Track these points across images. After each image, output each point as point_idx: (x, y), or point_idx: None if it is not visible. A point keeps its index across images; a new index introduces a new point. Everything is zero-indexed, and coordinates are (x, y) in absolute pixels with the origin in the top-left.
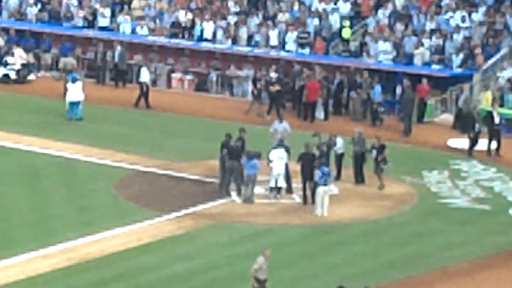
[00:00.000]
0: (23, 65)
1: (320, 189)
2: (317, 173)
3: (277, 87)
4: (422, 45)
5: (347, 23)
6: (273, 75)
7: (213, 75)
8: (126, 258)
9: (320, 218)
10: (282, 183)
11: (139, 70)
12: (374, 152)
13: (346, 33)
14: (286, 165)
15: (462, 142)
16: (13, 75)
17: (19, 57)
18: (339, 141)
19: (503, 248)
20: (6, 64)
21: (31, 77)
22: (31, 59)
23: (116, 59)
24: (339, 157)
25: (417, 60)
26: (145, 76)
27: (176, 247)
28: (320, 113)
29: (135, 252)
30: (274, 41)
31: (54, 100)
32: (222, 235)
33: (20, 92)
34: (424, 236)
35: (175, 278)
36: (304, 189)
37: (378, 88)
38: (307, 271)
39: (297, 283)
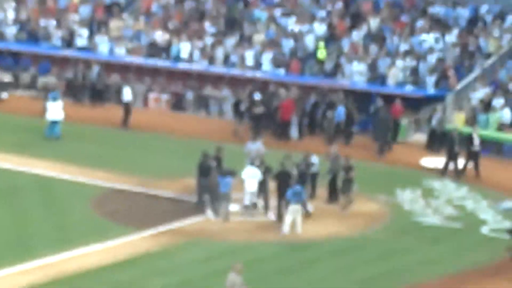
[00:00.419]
0: None
1: (291, 207)
2: (288, 192)
3: (261, 109)
4: (394, 65)
5: (321, 44)
6: (257, 97)
7: (190, 95)
8: (102, 274)
9: (295, 235)
10: (254, 200)
11: (121, 90)
12: (343, 172)
13: (321, 54)
14: (265, 183)
15: (435, 162)
16: None
17: None
18: (315, 160)
19: (475, 265)
20: None
21: (4, 96)
22: (7, 79)
23: (94, 78)
24: (314, 176)
25: (390, 81)
26: (127, 95)
27: (152, 264)
28: (294, 132)
29: (111, 269)
30: (250, 61)
31: (32, 119)
32: (198, 252)
33: None
34: (397, 254)
35: None
36: (279, 207)
37: (341, 109)
38: (283, 287)
39: None
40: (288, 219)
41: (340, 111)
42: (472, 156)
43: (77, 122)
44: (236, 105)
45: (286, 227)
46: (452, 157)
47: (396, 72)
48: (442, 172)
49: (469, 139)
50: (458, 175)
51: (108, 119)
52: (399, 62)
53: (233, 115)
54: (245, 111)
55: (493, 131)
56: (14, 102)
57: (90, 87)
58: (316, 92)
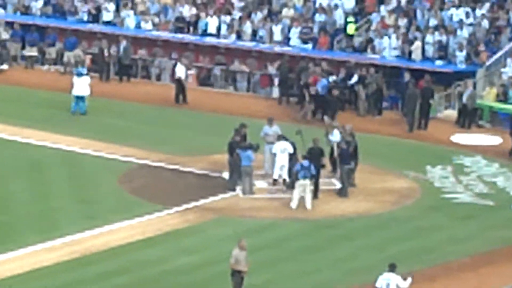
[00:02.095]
0: None
1: (298, 183)
2: (296, 166)
3: (337, 91)
4: (416, 39)
5: (352, 19)
6: (333, 78)
7: (217, 70)
8: (129, 251)
9: (324, 212)
10: (285, 176)
11: (174, 66)
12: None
13: (351, 29)
14: (292, 159)
15: (466, 138)
16: None
17: None
18: (336, 133)
19: (506, 243)
20: None
21: (3, 67)
22: (35, 53)
23: (121, 53)
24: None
25: (415, 56)
26: (180, 71)
27: (180, 241)
28: (325, 112)
29: (138, 246)
30: (278, 36)
31: (58, 94)
32: (225, 229)
33: (24, 85)
34: (427, 231)
35: (178, 272)
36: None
37: (323, 81)
38: (311, 265)
39: (301, 277)
40: (295, 194)
41: (322, 83)
42: None
43: (104, 97)
44: (305, 88)
45: (294, 202)
46: None
47: (418, 45)
48: (510, 153)
49: None
50: None
51: (134, 94)
52: (429, 37)
53: (300, 97)
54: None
55: None
56: (40, 77)
57: (117, 63)
58: (345, 67)
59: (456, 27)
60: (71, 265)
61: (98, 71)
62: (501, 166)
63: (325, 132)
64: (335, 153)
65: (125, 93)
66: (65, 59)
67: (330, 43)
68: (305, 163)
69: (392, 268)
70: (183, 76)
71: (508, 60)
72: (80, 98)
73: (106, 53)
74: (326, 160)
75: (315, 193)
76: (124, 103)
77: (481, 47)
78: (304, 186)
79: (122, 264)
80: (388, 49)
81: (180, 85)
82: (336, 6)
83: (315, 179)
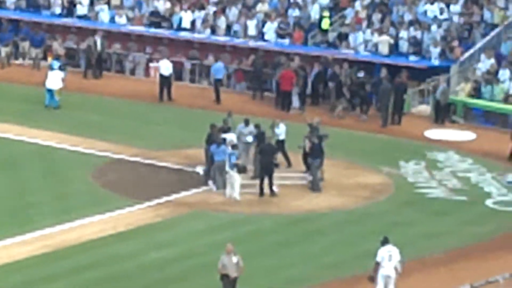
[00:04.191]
0: None
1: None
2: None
3: (368, 87)
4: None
5: (327, 13)
6: (360, 75)
7: (188, 64)
8: (102, 245)
9: (296, 207)
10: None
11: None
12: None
13: (325, 24)
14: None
15: (439, 133)
16: None
17: None
18: (282, 127)
19: (480, 238)
20: None
21: None
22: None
23: (98, 48)
24: (282, 143)
25: (381, 49)
26: (165, 69)
27: (153, 235)
28: (296, 103)
29: (111, 240)
30: (252, 31)
31: (33, 88)
32: (199, 224)
33: None
34: (400, 226)
35: (151, 266)
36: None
37: (218, 64)
38: (284, 260)
39: (275, 272)
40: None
41: (218, 67)
42: None
43: (79, 92)
44: (337, 86)
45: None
46: None
47: (386, 39)
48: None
49: None
50: None
51: (110, 89)
52: (404, 33)
53: (336, 95)
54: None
55: (498, 103)
56: (14, 71)
57: (91, 57)
58: (319, 62)
59: (430, 23)
60: (43, 259)
61: (88, 67)
62: (474, 162)
63: (271, 124)
64: (307, 148)
65: (99, 87)
66: (32, 55)
67: (305, 38)
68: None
69: (387, 240)
70: (169, 73)
71: (482, 55)
72: (50, 92)
73: (99, 48)
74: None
75: (270, 188)
76: (99, 97)
77: (455, 43)
78: (230, 176)
79: (94, 259)
80: (362, 44)
81: (165, 82)
82: (313, 0)
83: (269, 175)
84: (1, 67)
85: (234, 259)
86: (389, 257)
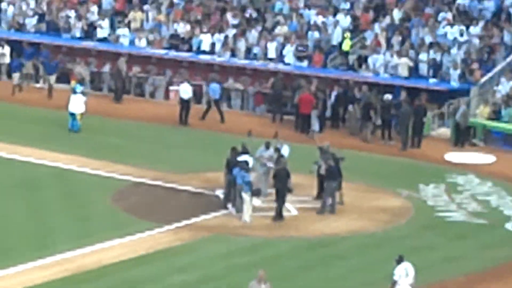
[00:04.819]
0: None
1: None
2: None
3: (394, 111)
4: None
5: (348, 35)
6: (389, 97)
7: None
8: (122, 269)
9: (316, 231)
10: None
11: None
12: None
13: (347, 45)
14: (283, 178)
15: (459, 156)
16: None
17: None
18: (286, 148)
19: (500, 262)
20: None
21: None
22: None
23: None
24: None
25: (401, 71)
26: (185, 92)
27: (173, 259)
28: (315, 126)
29: (131, 264)
30: (272, 54)
31: (54, 111)
32: (218, 247)
33: (13, 101)
34: (421, 250)
35: None
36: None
37: (214, 85)
38: (303, 284)
39: None
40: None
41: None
42: None
43: (99, 115)
44: (365, 108)
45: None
46: None
47: (405, 62)
48: None
49: None
50: None
51: (129, 112)
52: (423, 55)
53: (362, 119)
54: (375, 115)
55: None
56: (36, 94)
57: (118, 80)
58: (339, 85)
59: (450, 45)
60: (63, 283)
61: (114, 90)
62: (494, 185)
63: (274, 145)
64: (322, 170)
65: (120, 111)
66: (44, 85)
67: (324, 60)
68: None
69: (402, 258)
70: (188, 96)
71: (502, 78)
72: (72, 116)
73: (124, 73)
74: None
75: (280, 213)
76: (119, 121)
77: (475, 66)
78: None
79: (114, 283)
80: (382, 66)
81: (185, 105)
82: (337, 22)
83: (278, 199)
84: (13, 92)
85: (266, 287)
86: (405, 274)
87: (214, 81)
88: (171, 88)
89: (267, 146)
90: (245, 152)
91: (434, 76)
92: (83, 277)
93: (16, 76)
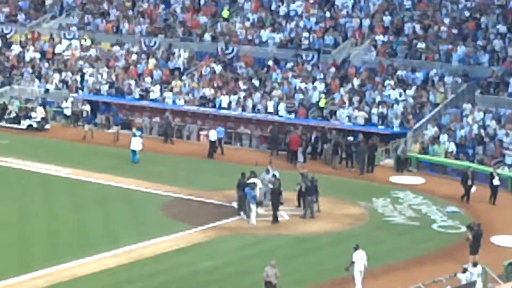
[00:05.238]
0: (42, 118)
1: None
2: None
3: (353, 148)
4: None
5: (323, 96)
6: (351, 138)
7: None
8: (169, 257)
9: (301, 230)
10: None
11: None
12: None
13: (322, 103)
14: (277, 194)
15: (400, 179)
16: (35, 125)
17: (40, 112)
18: (276, 173)
19: (428, 251)
20: (30, 117)
21: (47, 126)
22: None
23: (167, 121)
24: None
25: (359, 120)
26: (212, 136)
27: (203, 250)
28: (300, 158)
29: (175, 253)
30: (270, 109)
31: (121, 149)
32: (234, 242)
33: (89, 143)
34: (374, 243)
35: (202, 272)
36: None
37: (220, 128)
38: (292, 267)
39: (286, 276)
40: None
41: (220, 130)
42: (493, 189)
43: (152, 151)
44: (335, 146)
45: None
46: (467, 188)
47: (363, 115)
48: (461, 199)
49: (491, 175)
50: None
51: (173, 150)
52: (374, 110)
53: (332, 153)
54: (342, 150)
55: (441, 158)
56: (107, 137)
57: (168, 127)
58: (317, 130)
59: (393, 102)
60: (128, 267)
61: (164, 135)
62: (424, 198)
63: (266, 169)
64: (303, 189)
65: (165, 148)
66: (114, 130)
67: (306, 114)
68: (251, 192)
69: (357, 247)
70: (214, 138)
71: (429, 125)
72: (133, 152)
73: (172, 123)
74: (293, 196)
75: (275, 218)
76: (165, 155)
77: (410, 117)
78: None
79: (164, 266)
80: (346, 117)
81: (212, 145)
82: (315, 87)
83: (273, 206)
84: (84, 137)
85: (275, 270)
86: (360, 258)
87: (220, 126)
88: (201, 133)
89: (267, 172)
90: (254, 176)
91: (382, 124)
92: (142, 262)
93: (87, 126)
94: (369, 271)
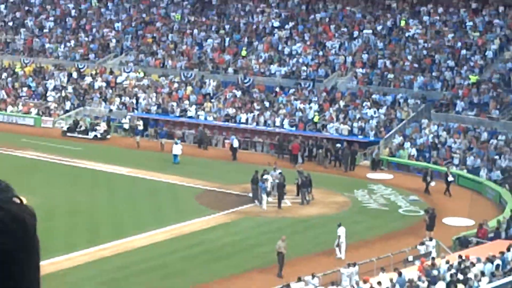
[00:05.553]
0: (104, 130)
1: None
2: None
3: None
4: (344, 124)
5: (317, 114)
6: (338, 145)
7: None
8: (202, 234)
9: (300, 214)
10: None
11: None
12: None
13: (316, 119)
14: (282, 187)
15: (374, 175)
16: (99, 135)
17: (103, 126)
18: (274, 172)
19: (396, 229)
20: (95, 130)
21: (108, 136)
22: (140, 125)
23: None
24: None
25: (343, 132)
26: (235, 143)
27: (226, 228)
28: (300, 160)
29: (206, 231)
30: (277, 123)
31: (164, 154)
32: (250, 223)
33: (140, 149)
34: (355, 223)
35: (228, 245)
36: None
37: (233, 137)
38: (295, 241)
39: (290, 247)
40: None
41: (232, 139)
42: (447, 184)
43: (189, 155)
44: (326, 151)
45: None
46: (427, 182)
47: (346, 128)
48: (425, 191)
49: (445, 174)
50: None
51: (205, 154)
52: (355, 124)
53: (324, 157)
54: (331, 154)
55: (405, 160)
56: (155, 145)
57: (204, 137)
58: (312, 139)
59: (368, 118)
60: (172, 241)
61: (199, 143)
62: (392, 190)
63: (274, 168)
64: (299, 182)
65: (199, 153)
66: (162, 142)
67: (304, 127)
68: (262, 185)
69: (340, 224)
70: (236, 145)
71: (396, 135)
72: (175, 156)
73: (204, 134)
74: (293, 188)
75: (280, 205)
76: (199, 158)
77: (382, 129)
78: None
79: (199, 240)
80: (334, 129)
81: (234, 150)
82: (310, 107)
83: (278, 196)
84: (138, 146)
85: (285, 244)
86: (343, 233)
87: (234, 135)
88: (226, 141)
89: (274, 170)
90: (267, 173)
91: (361, 134)
92: (182, 238)
93: (137, 137)
94: (350, 245)
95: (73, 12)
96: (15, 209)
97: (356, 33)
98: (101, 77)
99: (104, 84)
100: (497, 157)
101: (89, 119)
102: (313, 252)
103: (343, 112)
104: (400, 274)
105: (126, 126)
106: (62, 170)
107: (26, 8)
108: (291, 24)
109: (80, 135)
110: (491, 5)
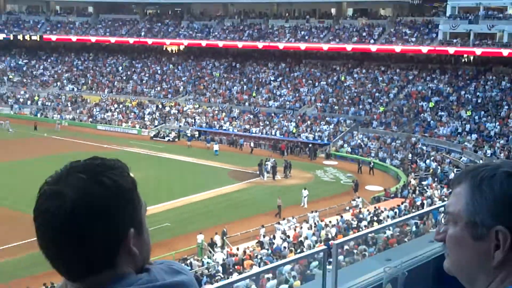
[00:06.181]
0: (174, 137)
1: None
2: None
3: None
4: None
5: (295, 128)
6: (309, 145)
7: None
8: (230, 194)
9: (284, 183)
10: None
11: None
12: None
13: (294, 130)
14: (275, 168)
15: (327, 162)
16: (171, 139)
17: (173, 134)
18: (271, 160)
19: (338, 192)
20: (168, 136)
21: (176, 140)
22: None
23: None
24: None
25: (310, 138)
26: (251, 145)
27: (245, 191)
28: (285, 153)
29: (233, 193)
30: (273, 133)
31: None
32: (257, 188)
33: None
34: (316, 189)
35: (245, 199)
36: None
37: (242, 140)
38: (282, 198)
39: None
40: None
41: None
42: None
43: (223, 150)
44: (300, 148)
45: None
46: (359, 167)
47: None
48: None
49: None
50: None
51: (233, 150)
52: (317, 134)
53: (299, 151)
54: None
55: (344, 153)
56: (203, 146)
57: (229, 141)
58: (292, 142)
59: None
60: (212, 199)
61: (231, 144)
62: (337, 171)
63: (266, 158)
64: (285, 165)
65: (231, 149)
66: (209, 145)
67: (288, 135)
68: (265, 167)
69: (305, 188)
70: (252, 145)
71: (339, 140)
72: (216, 151)
73: (234, 140)
74: (281, 169)
75: (273, 178)
76: (231, 152)
77: (332, 136)
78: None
79: (228, 198)
80: (304, 137)
81: (251, 149)
82: (291, 124)
83: (273, 173)
84: (190, 146)
85: (280, 200)
86: (306, 193)
87: (249, 141)
88: (245, 143)
89: (271, 158)
90: (267, 160)
91: (319, 139)
92: (219, 196)
93: (188, 142)
94: (312, 201)
95: (158, 71)
96: (120, 179)
97: (316, 84)
98: (174, 107)
99: (176, 111)
100: (396, 153)
101: (168, 131)
102: (292, 204)
103: (309, 127)
104: (341, 217)
105: (188, 134)
106: (152, 159)
107: (133, 69)
108: (280, 78)
109: (160, 139)
110: (392, 68)
